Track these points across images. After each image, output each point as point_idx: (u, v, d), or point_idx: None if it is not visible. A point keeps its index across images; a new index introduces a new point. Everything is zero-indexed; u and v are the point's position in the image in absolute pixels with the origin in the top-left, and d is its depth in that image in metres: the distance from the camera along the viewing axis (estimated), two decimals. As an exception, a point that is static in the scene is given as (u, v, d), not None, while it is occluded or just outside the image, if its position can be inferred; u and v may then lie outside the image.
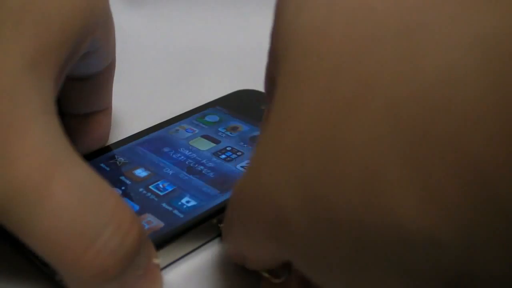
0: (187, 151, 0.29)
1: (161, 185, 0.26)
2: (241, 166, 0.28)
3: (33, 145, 0.18)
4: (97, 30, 0.23)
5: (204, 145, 0.30)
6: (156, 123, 0.32)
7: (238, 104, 0.34)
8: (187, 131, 0.31)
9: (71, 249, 0.18)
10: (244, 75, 0.40)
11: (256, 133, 0.31)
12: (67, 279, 0.20)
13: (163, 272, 0.23)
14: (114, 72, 0.28)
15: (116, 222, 0.19)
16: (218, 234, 0.25)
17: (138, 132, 0.31)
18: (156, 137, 0.30)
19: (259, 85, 0.37)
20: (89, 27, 0.22)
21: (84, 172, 0.19)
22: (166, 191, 0.26)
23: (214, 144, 0.30)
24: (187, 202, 0.25)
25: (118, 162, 0.28)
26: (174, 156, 0.29)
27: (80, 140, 0.27)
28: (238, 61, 0.42)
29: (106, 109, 0.29)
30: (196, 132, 0.31)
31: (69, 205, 0.18)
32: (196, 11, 0.48)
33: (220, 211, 0.25)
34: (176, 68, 0.42)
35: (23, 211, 0.17)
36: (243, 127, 0.32)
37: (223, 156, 0.29)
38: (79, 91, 0.26)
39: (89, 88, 0.27)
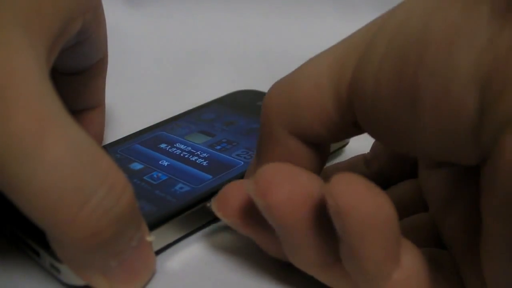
0: (183, 145, 0.29)
1: (155, 176, 0.26)
2: (237, 155, 0.28)
3: (30, 95, 0.17)
4: (88, 12, 0.23)
5: (200, 139, 0.30)
6: (155, 123, 0.32)
7: (237, 104, 0.34)
8: (183, 129, 0.31)
9: (66, 206, 0.17)
10: (243, 75, 0.40)
11: (253, 125, 0.31)
12: (59, 246, 0.19)
13: (159, 257, 0.23)
14: (106, 69, 0.28)
15: (109, 182, 0.18)
16: (213, 219, 0.25)
17: (135, 132, 0.31)
18: (153, 135, 0.30)
19: (259, 85, 0.37)
20: (79, 4, 0.22)
21: (78, 131, 0.18)
22: (160, 180, 0.26)
23: (210, 137, 0.30)
24: (180, 188, 0.25)
25: (114, 159, 0.28)
26: (170, 150, 0.29)
27: None
28: (238, 62, 0.42)
29: (98, 107, 0.29)
30: (192, 128, 0.31)
31: (64, 160, 0.17)
32: (196, 11, 0.48)
33: (213, 194, 0.25)
34: (176, 68, 0.42)
35: (18, 162, 0.17)
36: (240, 122, 0.32)
37: (218, 147, 0.29)
38: (70, 86, 0.27)
39: (80, 83, 0.27)
